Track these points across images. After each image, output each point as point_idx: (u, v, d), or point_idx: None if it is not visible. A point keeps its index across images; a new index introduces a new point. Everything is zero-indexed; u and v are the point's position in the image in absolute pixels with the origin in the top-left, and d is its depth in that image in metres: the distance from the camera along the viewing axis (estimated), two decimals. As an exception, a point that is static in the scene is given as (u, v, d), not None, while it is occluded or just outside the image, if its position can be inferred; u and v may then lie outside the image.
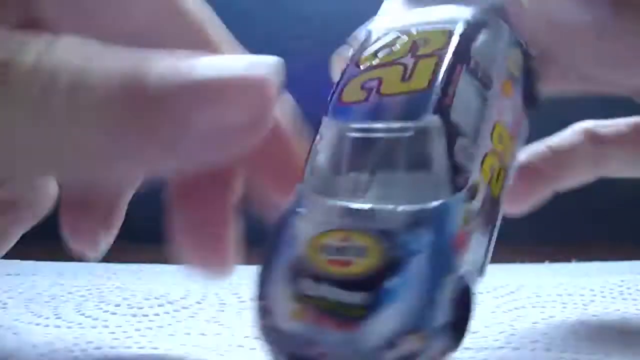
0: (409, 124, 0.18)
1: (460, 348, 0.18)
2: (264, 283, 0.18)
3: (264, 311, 0.18)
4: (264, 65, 0.18)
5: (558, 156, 0.29)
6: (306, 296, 0.17)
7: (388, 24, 0.21)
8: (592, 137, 0.29)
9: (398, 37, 0.20)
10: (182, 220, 0.23)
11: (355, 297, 0.16)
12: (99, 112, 0.16)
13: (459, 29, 0.19)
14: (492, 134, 0.19)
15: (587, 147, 0.29)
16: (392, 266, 0.16)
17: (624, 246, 0.41)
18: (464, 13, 0.20)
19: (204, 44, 0.22)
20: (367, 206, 0.18)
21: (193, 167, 0.19)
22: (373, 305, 0.16)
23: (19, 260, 0.36)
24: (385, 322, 0.16)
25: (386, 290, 0.16)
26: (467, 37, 0.19)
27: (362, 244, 0.17)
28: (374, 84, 0.19)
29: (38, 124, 0.16)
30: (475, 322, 0.28)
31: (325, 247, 0.17)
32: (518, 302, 0.31)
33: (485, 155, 0.19)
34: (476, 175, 0.18)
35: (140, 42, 0.18)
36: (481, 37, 0.19)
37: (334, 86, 0.20)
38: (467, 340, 0.25)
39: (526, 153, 0.29)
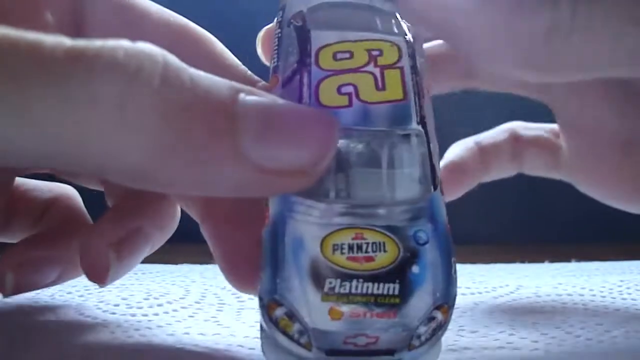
0: (397, 130, 0.20)
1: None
2: (279, 289, 0.18)
3: (290, 317, 0.18)
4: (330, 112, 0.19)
5: (484, 152, 0.33)
6: (339, 295, 0.18)
7: (321, 22, 0.21)
8: (514, 137, 0.33)
9: (346, 42, 0.21)
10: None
11: (388, 288, 0.18)
12: (168, 117, 0.16)
13: (404, 45, 0.21)
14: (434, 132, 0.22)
15: (509, 145, 0.33)
16: (410, 256, 0.19)
17: (624, 246, 0.41)
18: (393, 26, 0.22)
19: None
20: (368, 205, 0.19)
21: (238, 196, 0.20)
22: (405, 292, 0.18)
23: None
24: (419, 303, 0.18)
25: (413, 278, 0.18)
26: (413, 53, 0.21)
27: (378, 240, 0.18)
28: (351, 89, 0.20)
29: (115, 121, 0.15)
30: (475, 322, 0.28)
31: (338, 247, 0.18)
32: (518, 302, 0.31)
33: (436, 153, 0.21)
34: (439, 173, 0.21)
35: None
36: (416, 49, 0.22)
37: (297, 83, 0.20)
38: (467, 340, 0.26)
39: (457, 148, 0.33)
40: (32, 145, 0.15)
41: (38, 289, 0.27)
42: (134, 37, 0.23)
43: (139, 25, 0.24)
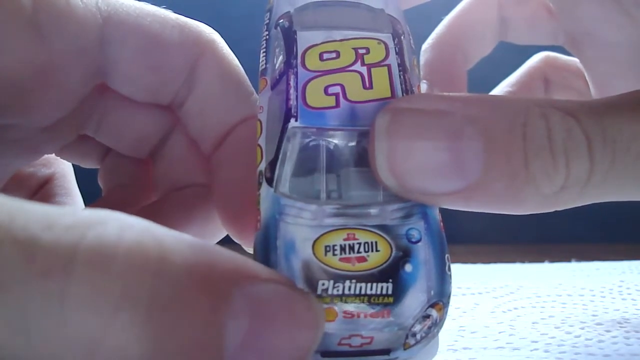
0: None
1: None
2: None
3: None
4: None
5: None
6: (332, 296, 0.18)
7: (307, 23, 0.21)
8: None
9: (333, 41, 0.21)
10: None
11: (381, 288, 0.18)
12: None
13: (391, 42, 0.21)
14: None
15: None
16: (403, 255, 0.18)
17: (624, 246, 0.41)
18: (380, 23, 0.21)
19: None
20: (360, 205, 0.19)
21: None
22: (399, 291, 0.18)
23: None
24: (412, 302, 0.18)
25: (405, 276, 0.18)
26: (401, 49, 0.21)
27: (370, 240, 0.18)
28: (338, 89, 0.20)
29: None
30: (475, 322, 0.28)
31: (330, 248, 0.18)
32: (518, 302, 0.31)
33: None
34: None
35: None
36: (404, 45, 0.21)
37: (284, 85, 0.20)
38: (467, 340, 0.26)
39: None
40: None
41: None
42: (159, 77, 0.23)
43: (162, 61, 0.23)
